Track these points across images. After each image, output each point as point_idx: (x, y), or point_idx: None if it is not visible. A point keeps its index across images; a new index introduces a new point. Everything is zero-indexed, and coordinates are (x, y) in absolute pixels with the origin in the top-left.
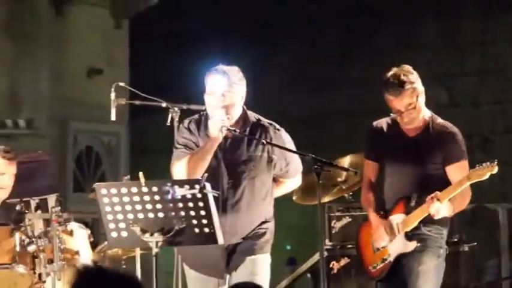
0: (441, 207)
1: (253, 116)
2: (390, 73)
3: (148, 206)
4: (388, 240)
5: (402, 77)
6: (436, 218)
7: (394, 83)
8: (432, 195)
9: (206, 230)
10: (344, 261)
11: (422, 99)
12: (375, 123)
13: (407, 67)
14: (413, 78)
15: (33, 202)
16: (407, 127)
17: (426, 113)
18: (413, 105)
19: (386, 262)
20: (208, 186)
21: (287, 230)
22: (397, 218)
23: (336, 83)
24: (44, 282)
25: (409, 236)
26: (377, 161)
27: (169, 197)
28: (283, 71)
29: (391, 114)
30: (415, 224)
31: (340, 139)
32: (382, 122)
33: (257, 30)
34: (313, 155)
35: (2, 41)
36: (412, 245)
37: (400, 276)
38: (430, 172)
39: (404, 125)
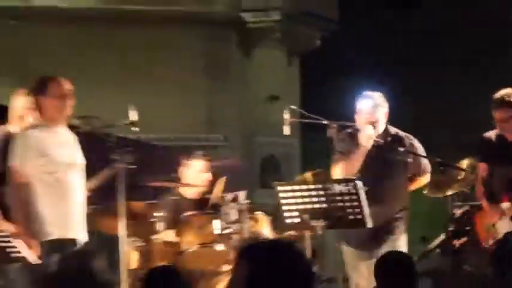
0: None
1: (393, 129)
2: (500, 92)
3: (314, 199)
4: (498, 219)
5: (506, 98)
6: None
7: (498, 99)
8: None
9: (358, 216)
10: (463, 239)
11: None
12: (484, 134)
13: None
14: None
15: (229, 196)
16: (506, 134)
17: None
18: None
19: (496, 240)
20: (359, 183)
21: (419, 216)
22: (505, 205)
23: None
24: None
25: None
26: (487, 163)
27: (330, 192)
28: (412, 96)
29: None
30: None
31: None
32: (491, 133)
33: (390, 66)
34: (439, 159)
35: (203, 77)
36: None
37: None
38: None
39: (504, 132)
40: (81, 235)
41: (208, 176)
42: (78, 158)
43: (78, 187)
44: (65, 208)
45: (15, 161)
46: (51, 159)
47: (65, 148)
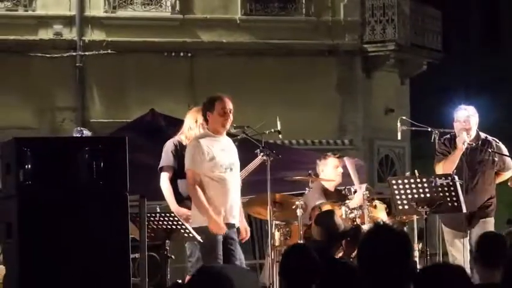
0: None
1: (483, 134)
2: None
3: (420, 190)
4: None
5: None
6: None
7: None
8: None
9: (455, 204)
10: None
11: None
12: None
13: None
14: None
15: (353, 188)
16: None
17: None
18: None
19: None
20: (456, 177)
21: (504, 203)
22: None
23: None
24: None
25: None
26: None
27: (433, 184)
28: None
29: None
30: None
31: None
32: None
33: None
34: None
35: (335, 94)
36: None
37: None
38: None
39: None
40: (236, 220)
41: (340, 171)
42: (235, 160)
43: (235, 183)
44: (226, 199)
45: (190, 165)
46: (217, 162)
47: (225, 153)
